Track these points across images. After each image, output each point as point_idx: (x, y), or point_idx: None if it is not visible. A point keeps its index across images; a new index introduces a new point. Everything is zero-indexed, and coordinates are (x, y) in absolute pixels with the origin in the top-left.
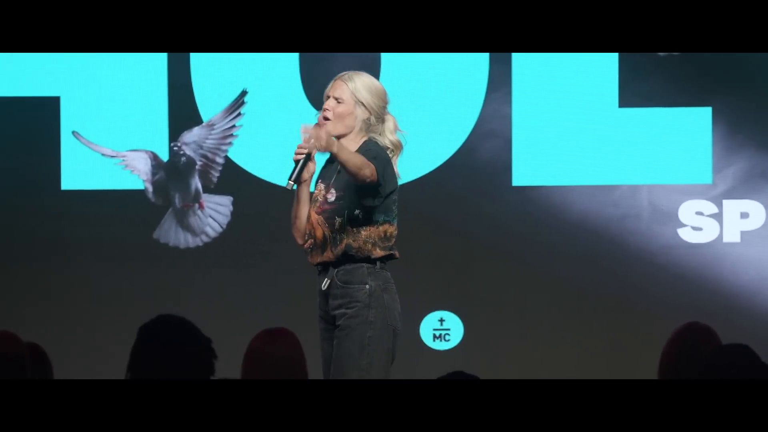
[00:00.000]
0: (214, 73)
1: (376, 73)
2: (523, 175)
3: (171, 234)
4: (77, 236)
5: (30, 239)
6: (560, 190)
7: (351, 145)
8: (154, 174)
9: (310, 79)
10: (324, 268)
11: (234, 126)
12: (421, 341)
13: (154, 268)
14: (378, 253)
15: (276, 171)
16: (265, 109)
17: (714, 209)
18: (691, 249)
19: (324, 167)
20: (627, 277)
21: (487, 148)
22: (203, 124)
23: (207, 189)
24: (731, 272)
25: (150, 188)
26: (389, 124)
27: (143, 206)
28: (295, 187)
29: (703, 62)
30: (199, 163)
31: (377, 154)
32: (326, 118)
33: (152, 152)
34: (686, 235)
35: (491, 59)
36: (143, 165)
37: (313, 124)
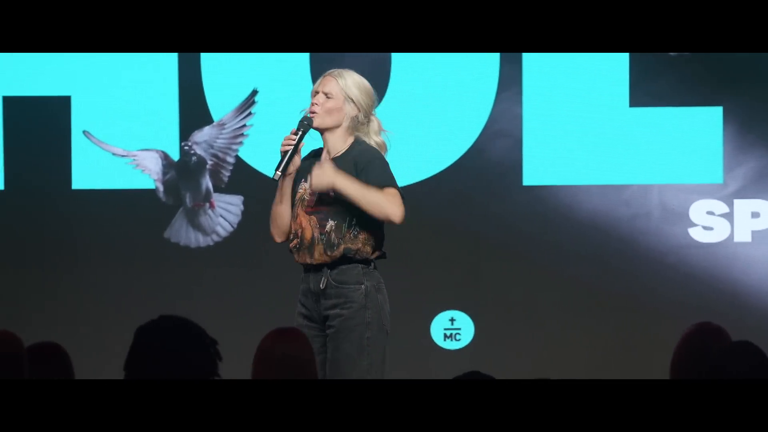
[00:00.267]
0: (225, 73)
1: (386, 73)
2: (533, 174)
3: (182, 233)
4: (88, 236)
5: (41, 239)
6: (570, 190)
7: (338, 143)
8: (164, 173)
9: None
10: (315, 268)
11: (245, 125)
12: (431, 341)
13: (165, 267)
14: (374, 254)
15: None
16: (276, 109)
17: (725, 209)
18: (702, 248)
19: (305, 165)
20: (637, 276)
21: (497, 147)
22: (214, 123)
23: (218, 188)
24: (742, 272)
25: (161, 188)
26: (374, 124)
27: (154, 206)
28: (279, 177)
29: (714, 62)
30: (209, 162)
31: (373, 156)
32: (314, 113)
33: (163, 152)
34: (697, 234)
35: (502, 59)
36: (154, 164)
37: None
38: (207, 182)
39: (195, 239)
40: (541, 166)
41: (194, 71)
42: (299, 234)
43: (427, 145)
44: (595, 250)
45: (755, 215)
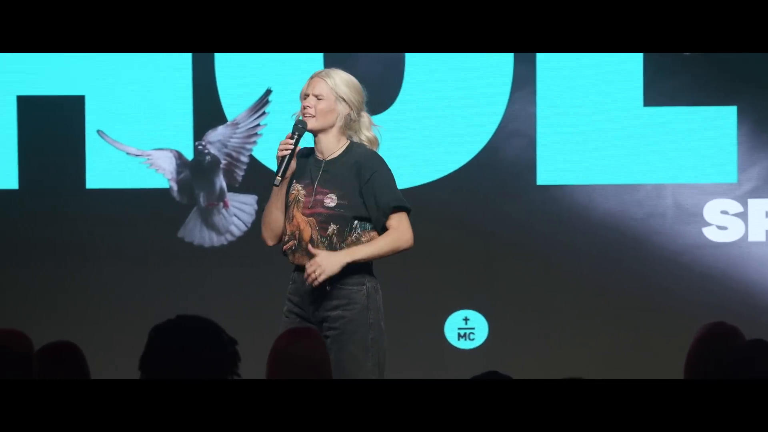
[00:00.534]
0: (239, 73)
1: (400, 73)
2: (547, 174)
3: (196, 233)
4: (102, 235)
5: (55, 238)
6: (585, 189)
7: (332, 144)
8: (178, 173)
9: None
10: None
11: (258, 125)
12: (445, 340)
13: (179, 267)
14: None
15: None
16: (290, 109)
17: (739, 208)
18: (717, 248)
19: (297, 166)
20: (652, 276)
21: (511, 147)
22: (228, 123)
23: (231, 188)
24: (757, 271)
25: (175, 187)
26: (364, 120)
27: (168, 205)
28: (280, 182)
29: (728, 61)
30: (223, 161)
31: (377, 165)
32: (309, 116)
33: (177, 151)
34: (711, 234)
35: (516, 59)
36: (168, 164)
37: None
38: (221, 182)
39: (209, 239)
40: (555, 166)
41: (208, 71)
42: (297, 235)
43: (442, 145)
44: (609, 249)
45: None
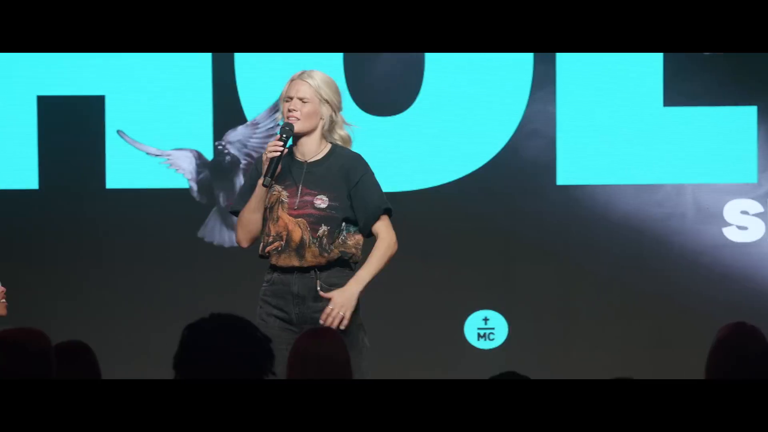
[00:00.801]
0: (258, 73)
1: (420, 73)
2: (567, 174)
3: (215, 233)
4: (121, 235)
5: (75, 238)
6: (604, 190)
7: (313, 147)
8: (198, 173)
9: (354, 79)
10: (301, 270)
11: (278, 125)
12: (465, 340)
13: (199, 266)
14: (359, 257)
15: None
16: None
17: (759, 208)
18: (737, 248)
19: (275, 167)
20: (672, 276)
21: (531, 147)
22: (247, 123)
23: None
24: None
25: (194, 187)
26: (338, 119)
27: (188, 205)
28: (271, 184)
29: (749, 61)
30: (243, 161)
31: (363, 169)
32: (294, 118)
33: (197, 151)
34: (731, 234)
35: (536, 59)
36: (188, 164)
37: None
38: (240, 181)
39: (229, 239)
40: (574, 166)
41: (228, 71)
42: (284, 236)
43: (461, 145)
44: (629, 249)
45: None
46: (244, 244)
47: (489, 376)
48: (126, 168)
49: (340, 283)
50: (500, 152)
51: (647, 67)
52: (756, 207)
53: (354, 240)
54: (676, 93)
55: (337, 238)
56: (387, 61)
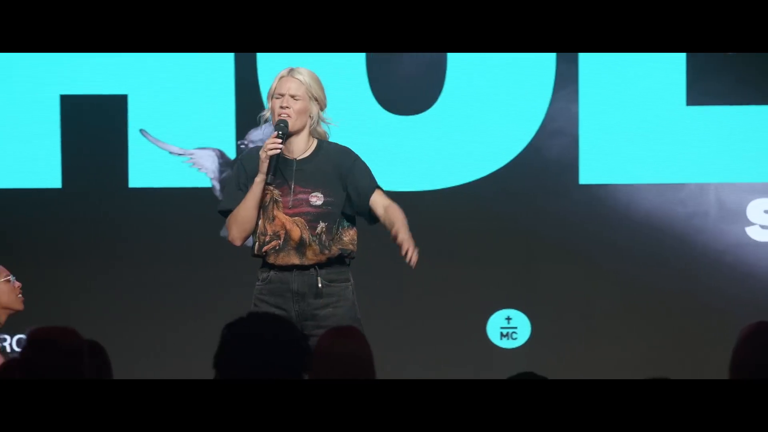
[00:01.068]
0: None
1: (442, 72)
2: (590, 173)
3: None
4: (144, 234)
5: (98, 237)
6: (627, 189)
7: (302, 144)
8: (221, 172)
9: (377, 79)
10: (301, 268)
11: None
12: (488, 339)
13: (222, 266)
14: (355, 252)
15: None
16: (331, 108)
17: None
18: (760, 247)
19: (275, 164)
20: (695, 275)
21: (553, 146)
22: (270, 121)
23: None
24: None
25: (217, 186)
26: (321, 116)
27: (210, 204)
28: (272, 180)
29: None
30: None
31: (353, 159)
32: (287, 116)
33: (220, 150)
34: (754, 233)
35: (558, 58)
36: (210, 163)
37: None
38: None
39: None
40: (597, 165)
41: (250, 70)
42: (281, 235)
43: (484, 144)
44: (652, 249)
45: None
46: (239, 242)
47: (511, 375)
48: (148, 167)
49: (339, 279)
50: (523, 151)
51: (670, 67)
52: None
53: (349, 236)
54: (699, 92)
55: (336, 233)
56: (409, 60)
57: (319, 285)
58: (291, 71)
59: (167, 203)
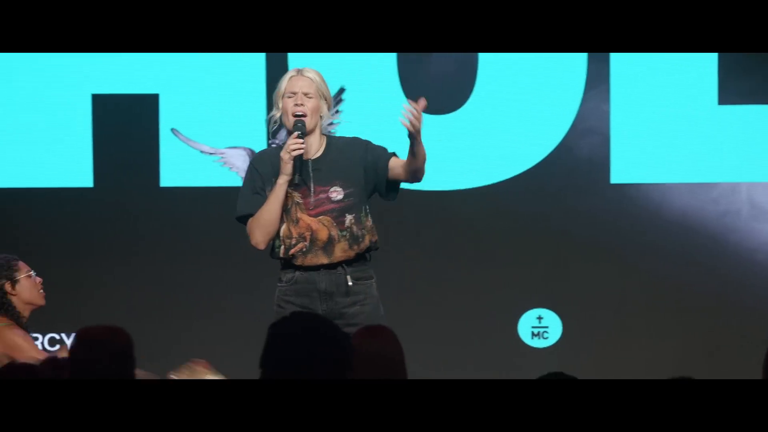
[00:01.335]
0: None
1: (473, 72)
2: (621, 172)
3: None
4: (176, 233)
5: (129, 236)
6: (659, 188)
7: (315, 142)
8: None
9: (409, 79)
10: (329, 267)
11: (332, 123)
12: (519, 339)
13: (253, 265)
14: (377, 242)
15: None
16: (363, 108)
17: None
18: None
19: (276, 168)
20: (727, 274)
21: (585, 145)
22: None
23: None
24: None
25: None
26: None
27: None
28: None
29: None
30: None
31: (368, 142)
32: (303, 114)
33: (251, 149)
34: None
35: (589, 58)
36: (242, 162)
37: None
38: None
39: None
40: (629, 164)
41: (281, 70)
42: (307, 237)
43: (515, 144)
44: (684, 248)
45: None
46: (263, 246)
47: (541, 375)
48: (180, 166)
49: (364, 276)
50: (554, 151)
51: (702, 66)
52: None
53: (370, 223)
54: (731, 91)
55: (366, 221)
56: (440, 60)
57: (349, 283)
58: (299, 71)
59: (198, 202)
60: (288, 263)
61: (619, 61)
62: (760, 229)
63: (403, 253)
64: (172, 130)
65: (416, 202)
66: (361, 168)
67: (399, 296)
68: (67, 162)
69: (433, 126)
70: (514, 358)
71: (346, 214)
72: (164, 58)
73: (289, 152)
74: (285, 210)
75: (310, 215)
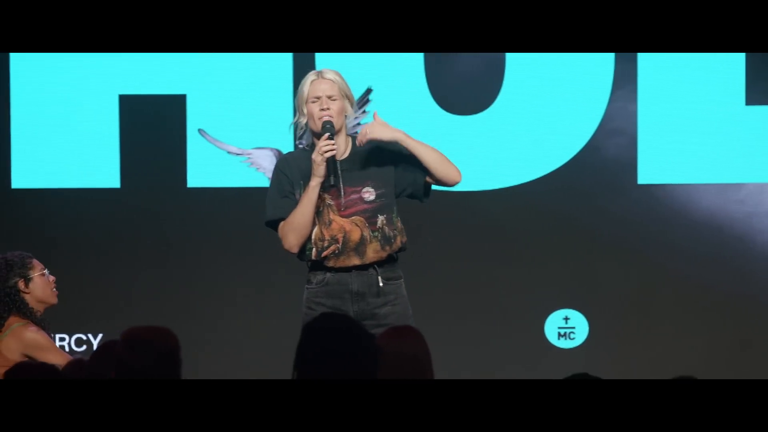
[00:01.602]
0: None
1: (501, 72)
2: (648, 173)
3: None
4: (203, 233)
5: (157, 236)
6: (686, 188)
7: (341, 144)
8: None
9: (435, 79)
10: (360, 268)
11: (359, 123)
12: (545, 339)
13: (280, 265)
14: (407, 243)
15: None
16: (390, 108)
17: None
18: None
19: (305, 170)
20: (754, 275)
21: (612, 145)
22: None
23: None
24: None
25: None
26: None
27: None
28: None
29: None
30: None
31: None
32: (329, 117)
33: (278, 150)
34: None
35: (617, 58)
36: (269, 163)
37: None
38: None
39: None
40: (656, 165)
41: (309, 70)
42: (339, 239)
43: (543, 143)
44: (711, 249)
45: None
46: (296, 250)
47: (567, 376)
48: (207, 167)
49: (394, 276)
50: (581, 151)
51: (729, 66)
52: None
53: (400, 224)
54: (759, 92)
55: (397, 221)
56: (467, 60)
57: (381, 284)
58: (320, 74)
59: (225, 203)
60: (318, 265)
61: (646, 62)
62: None
63: (430, 253)
64: (199, 130)
65: (443, 203)
66: (392, 168)
67: (426, 296)
68: (94, 163)
69: (460, 126)
70: (541, 359)
71: (378, 215)
72: (191, 58)
73: (321, 154)
74: (317, 212)
75: (342, 216)
